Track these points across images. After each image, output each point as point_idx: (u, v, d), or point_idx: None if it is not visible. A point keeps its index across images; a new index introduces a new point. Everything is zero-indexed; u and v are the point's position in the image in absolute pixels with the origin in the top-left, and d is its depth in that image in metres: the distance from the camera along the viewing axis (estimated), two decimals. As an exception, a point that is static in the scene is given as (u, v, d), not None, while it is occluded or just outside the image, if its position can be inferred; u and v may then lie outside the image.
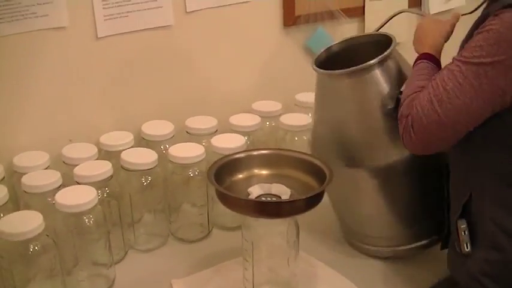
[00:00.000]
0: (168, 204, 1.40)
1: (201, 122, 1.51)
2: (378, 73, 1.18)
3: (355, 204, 1.29)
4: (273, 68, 1.72)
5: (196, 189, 1.39)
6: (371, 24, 1.85)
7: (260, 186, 1.18)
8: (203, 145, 1.41)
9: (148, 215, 1.40)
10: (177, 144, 1.40)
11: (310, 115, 1.61)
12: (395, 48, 1.22)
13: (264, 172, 1.22)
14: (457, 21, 1.19)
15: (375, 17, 1.85)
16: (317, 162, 1.17)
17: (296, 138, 1.56)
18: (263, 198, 1.16)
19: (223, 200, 1.13)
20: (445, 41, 1.18)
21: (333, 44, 1.34)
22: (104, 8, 1.39)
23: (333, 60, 1.29)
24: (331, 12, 1.75)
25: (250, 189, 1.17)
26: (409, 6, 1.91)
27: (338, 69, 1.21)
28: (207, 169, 1.29)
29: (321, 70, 1.24)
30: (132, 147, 1.41)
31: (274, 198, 1.16)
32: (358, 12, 1.83)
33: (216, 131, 1.50)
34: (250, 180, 1.21)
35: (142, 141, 1.47)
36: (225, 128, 1.52)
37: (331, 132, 1.25)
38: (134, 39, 1.45)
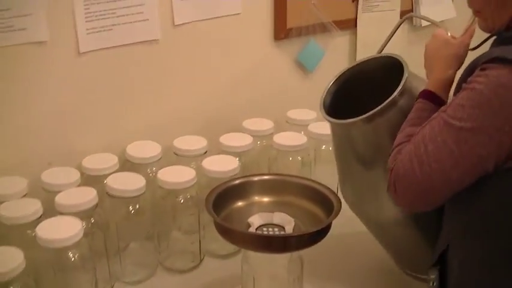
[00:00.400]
0: (157, 231, 1.30)
1: (189, 143, 1.41)
2: (399, 107, 1.07)
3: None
4: (264, 83, 1.63)
5: (186, 215, 1.29)
6: (363, 37, 1.78)
7: (261, 215, 1.10)
8: (192, 167, 1.33)
9: (135, 243, 1.30)
10: (166, 168, 1.31)
11: (302, 133, 1.54)
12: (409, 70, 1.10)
13: (266, 199, 1.14)
14: (471, 38, 1.09)
15: (367, 30, 1.79)
16: (323, 190, 1.10)
17: (290, 159, 1.47)
18: (264, 230, 1.07)
19: (223, 233, 1.04)
20: (457, 69, 1.06)
21: (333, 81, 1.21)
22: (86, 21, 1.29)
23: (341, 95, 1.19)
24: (323, 24, 1.67)
25: (250, 219, 1.09)
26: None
27: (349, 106, 1.10)
28: (197, 193, 1.21)
29: (335, 120, 1.11)
30: (117, 171, 1.31)
31: (276, 229, 1.07)
32: (350, 25, 1.76)
33: (206, 152, 1.41)
34: (250, 209, 1.12)
35: (127, 163, 1.37)
36: (215, 148, 1.43)
37: (360, 192, 1.16)
38: (119, 55, 1.35)
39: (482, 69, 0.89)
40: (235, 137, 1.47)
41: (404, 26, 1.87)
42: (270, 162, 1.50)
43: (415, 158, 0.91)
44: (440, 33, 1.09)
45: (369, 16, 1.78)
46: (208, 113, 1.54)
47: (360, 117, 1.06)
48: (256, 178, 1.16)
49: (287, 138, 1.48)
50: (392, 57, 1.15)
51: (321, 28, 1.67)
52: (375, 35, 1.80)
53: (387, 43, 1.26)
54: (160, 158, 1.37)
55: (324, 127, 1.51)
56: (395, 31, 1.26)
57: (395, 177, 0.94)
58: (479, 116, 0.87)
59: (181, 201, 1.27)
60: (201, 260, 1.33)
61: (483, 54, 0.92)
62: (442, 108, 0.93)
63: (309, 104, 1.60)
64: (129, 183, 1.23)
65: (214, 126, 1.52)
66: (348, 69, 1.22)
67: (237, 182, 1.15)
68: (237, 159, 1.37)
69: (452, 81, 1.04)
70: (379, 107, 1.05)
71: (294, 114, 1.60)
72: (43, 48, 1.25)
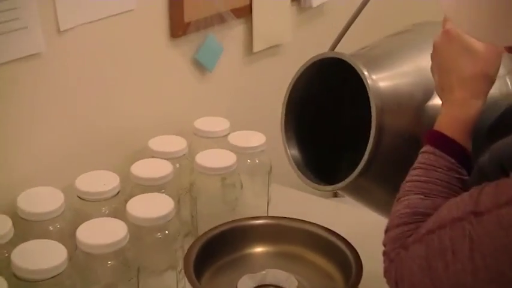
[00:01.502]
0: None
1: (93, 180, 1.11)
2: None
3: None
4: (161, 90, 1.35)
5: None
6: (260, 24, 1.56)
7: (250, 277, 0.86)
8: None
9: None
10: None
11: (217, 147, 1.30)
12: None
13: (259, 249, 0.90)
14: None
15: (263, 16, 1.57)
16: (337, 241, 0.88)
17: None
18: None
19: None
20: (486, 96, 0.77)
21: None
22: None
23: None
24: (221, 15, 1.42)
25: (239, 284, 0.85)
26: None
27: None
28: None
29: (320, 186, 0.92)
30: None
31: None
32: (246, 11, 1.53)
33: (119, 192, 1.12)
34: (241, 264, 0.88)
35: (15, 216, 1.04)
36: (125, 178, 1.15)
37: None
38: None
39: None
40: (149, 164, 1.19)
41: (293, 8, 1.68)
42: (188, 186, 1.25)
43: (427, 264, 0.67)
44: (455, 32, 0.77)
45: (264, 1, 1.56)
46: (106, 135, 1.24)
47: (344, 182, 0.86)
48: (245, 223, 0.93)
49: (205, 158, 1.23)
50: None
51: (219, 19, 1.42)
52: (271, 22, 1.60)
53: (342, 36, 1.01)
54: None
55: (246, 137, 1.30)
56: (355, 18, 0.99)
57: (397, 279, 0.71)
58: None
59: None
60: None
61: None
62: (472, 189, 0.65)
63: (212, 109, 1.38)
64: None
65: (115, 151, 1.23)
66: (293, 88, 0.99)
67: (220, 229, 0.90)
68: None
69: (478, 116, 0.77)
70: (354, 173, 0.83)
71: (202, 124, 1.35)
72: None
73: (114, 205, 1.10)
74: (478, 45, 0.77)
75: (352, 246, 0.88)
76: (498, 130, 0.75)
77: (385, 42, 0.98)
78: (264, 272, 0.88)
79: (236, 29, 1.50)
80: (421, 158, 0.76)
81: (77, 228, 0.97)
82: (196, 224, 1.22)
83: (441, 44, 0.80)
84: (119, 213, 1.08)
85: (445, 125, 0.77)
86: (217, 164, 1.21)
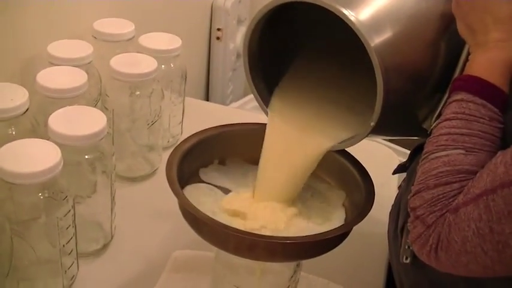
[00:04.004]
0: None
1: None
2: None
3: None
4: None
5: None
6: None
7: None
8: None
9: None
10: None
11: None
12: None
13: None
14: None
15: None
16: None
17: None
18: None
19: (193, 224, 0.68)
20: None
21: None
22: None
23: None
24: None
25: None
26: None
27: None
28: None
29: None
30: None
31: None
32: None
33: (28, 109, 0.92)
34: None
35: None
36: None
37: None
38: None
39: None
40: (53, 73, 0.99)
41: None
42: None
43: (489, 241, 0.59)
44: None
45: None
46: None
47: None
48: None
49: (123, 63, 1.05)
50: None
51: None
52: None
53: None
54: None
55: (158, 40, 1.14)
56: None
57: (441, 245, 0.63)
58: None
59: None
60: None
61: None
62: None
63: (113, 10, 1.21)
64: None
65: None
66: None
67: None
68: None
69: None
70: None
71: (104, 26, 1.15)
72: None
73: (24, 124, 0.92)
74: None
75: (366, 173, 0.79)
76: None
77: None
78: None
79: None
80: (456, 107, 0.67)
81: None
82: (112, 141, 1.07)
83: None
84: (28, 134, 0.91)
85: (482, 69, 0.67)
86: (134, 69, 1.05)
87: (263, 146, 0.77)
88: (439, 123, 0.68)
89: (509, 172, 0.59)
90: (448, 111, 0.68)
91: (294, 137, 0.76)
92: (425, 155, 0.68)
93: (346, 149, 0.78)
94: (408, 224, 0.67)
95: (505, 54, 0.68)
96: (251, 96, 0.86)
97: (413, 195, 0.67)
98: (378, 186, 0.74)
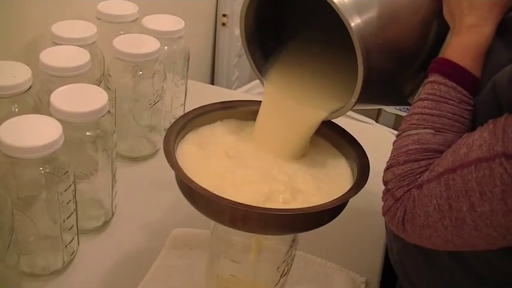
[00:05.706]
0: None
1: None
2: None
3: None
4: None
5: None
6: None
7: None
8: None
9: None
10: None
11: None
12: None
13: None
14: None
15: None
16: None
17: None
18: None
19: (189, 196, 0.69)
20: (499, 22, 0.69)
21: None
22: None
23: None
24: None
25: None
26: None
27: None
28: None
29: None
30: None
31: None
32: None
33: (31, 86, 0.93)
34: None
35: None
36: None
37: None
38: None
39: None
40: (57, 52, 1.00)
41: None
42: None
43: (448, 217, 0.62)
44: None
45: None
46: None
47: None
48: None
49: (127, 43, 1.06)
50: None
51: None
52: None
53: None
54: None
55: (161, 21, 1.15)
56: None
57: (406, 218, 0.66)
58: None
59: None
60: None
61: None
62: (490, 123, 0.60)
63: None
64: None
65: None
66: None
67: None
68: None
69: (489, 42, 0.69)
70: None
71: (108, 8, 1.16)
72: None
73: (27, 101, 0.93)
74: None
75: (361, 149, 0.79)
76: None
77: None
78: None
79: None
80: (429, 88, 0.69)
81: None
82: (115, 121, 1.08)
83: None
84: (31, 112, 0.92)
85: (454, 53, 0.70)
86: (137, 49, 1.06)
87: (258, 113, 0.79)
88: (415, 102, 0.70)
89: (470, 154, 0.61)
90: (423, 91, 0.70)
91: (289, 105, 0.77)
92: (400, 132, 0.70)
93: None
94: (382, 196, 0.70)
95: (477, 40, 0.69)
96: (256, 81, 0.86)
97: (386, 170, 0.70)
98: (382, 170, 0.74)
